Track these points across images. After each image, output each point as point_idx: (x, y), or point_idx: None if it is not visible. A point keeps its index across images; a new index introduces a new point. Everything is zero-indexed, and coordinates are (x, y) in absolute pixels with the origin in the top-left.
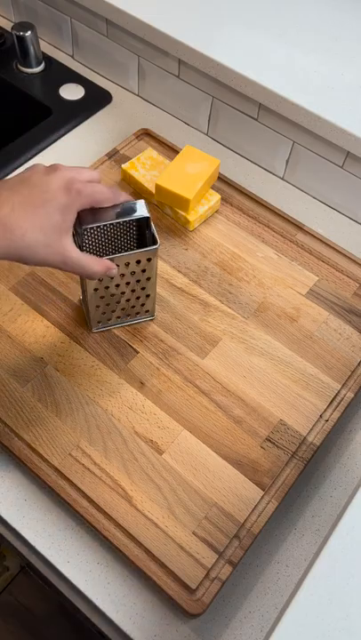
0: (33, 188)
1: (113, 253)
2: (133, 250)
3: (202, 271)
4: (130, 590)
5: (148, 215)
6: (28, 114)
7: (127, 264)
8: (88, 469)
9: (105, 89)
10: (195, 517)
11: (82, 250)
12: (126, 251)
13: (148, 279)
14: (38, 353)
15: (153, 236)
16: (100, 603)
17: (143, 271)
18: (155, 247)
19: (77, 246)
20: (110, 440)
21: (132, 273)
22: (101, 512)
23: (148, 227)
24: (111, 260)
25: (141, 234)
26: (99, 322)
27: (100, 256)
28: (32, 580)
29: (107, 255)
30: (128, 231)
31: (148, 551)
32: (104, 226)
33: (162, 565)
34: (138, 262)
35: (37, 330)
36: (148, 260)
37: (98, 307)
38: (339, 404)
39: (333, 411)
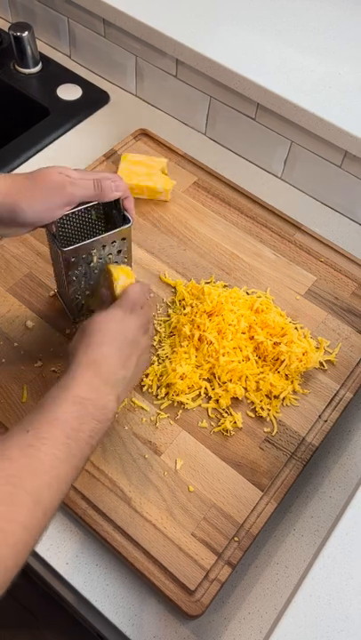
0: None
1: (86, 239)
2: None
3: (200, 271)
4: (129, 592)
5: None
6: (25, 114)
7: (104, 246)
8: (86, 471)
9: (102, 89)
10: (193, 519)
11: (55, 237)
12: (99, 234)
13: (125, 260)
14: (36, 355)
15: (124, 215)
16: (99, 604)
17: (119, 252)
18: (128, 225)
19: (52, 235)
20: (109, 441)
21: (109, 255)
22: (100, 513)
23: (117, 208)
24: (90, 244)
25: (110, 216)
26: (79, 310)
27: (76, 242)
28: (31, 581)
29: (82, 241)
30: (98, 215)
31: (146, 552)
32: (72, 213)
33: (161, 567)
34: (113, 243)
35: (35, 332)
36: (123, 239)
37: (78, 296)
38: (338, 404)
39: (332, 411)
